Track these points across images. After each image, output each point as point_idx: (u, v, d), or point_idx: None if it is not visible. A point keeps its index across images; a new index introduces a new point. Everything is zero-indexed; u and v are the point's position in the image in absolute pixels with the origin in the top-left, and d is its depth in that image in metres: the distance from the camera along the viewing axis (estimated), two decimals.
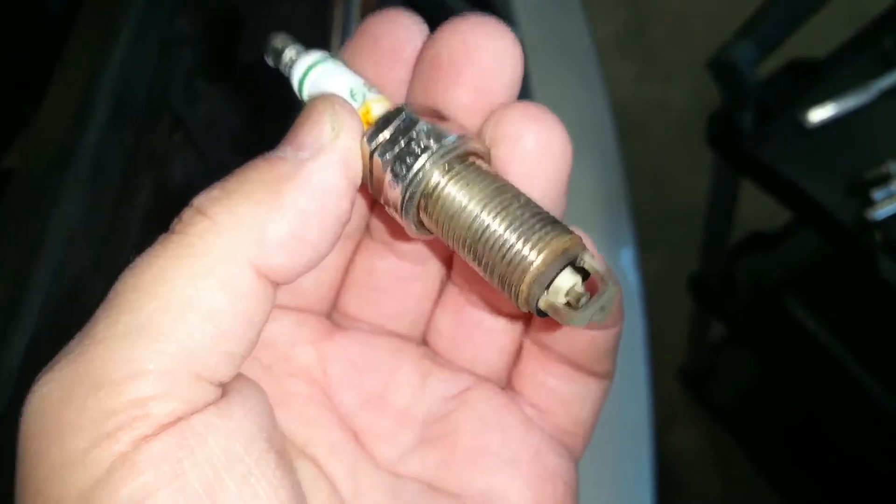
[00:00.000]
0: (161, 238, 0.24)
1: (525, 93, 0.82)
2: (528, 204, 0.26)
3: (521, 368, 0.30)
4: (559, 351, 0.29)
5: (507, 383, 0.31)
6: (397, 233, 0.30)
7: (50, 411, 0.22)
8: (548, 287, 0.25)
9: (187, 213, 0.24)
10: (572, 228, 0.26)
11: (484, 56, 0.27)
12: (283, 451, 0.25)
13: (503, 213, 0.26)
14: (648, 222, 1.07)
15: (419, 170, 0.26)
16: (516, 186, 0.27)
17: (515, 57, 0.28)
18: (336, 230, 0.25)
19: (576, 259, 0.25)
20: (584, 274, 0.26)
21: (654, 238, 1.48)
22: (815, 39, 0.98)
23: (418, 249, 0.30)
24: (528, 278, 0.25)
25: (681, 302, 1.33)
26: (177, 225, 0.24)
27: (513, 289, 0.25)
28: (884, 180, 0.89)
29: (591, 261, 0.25)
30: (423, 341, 0.32)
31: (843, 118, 0.94)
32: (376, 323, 0.31)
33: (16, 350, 0.45)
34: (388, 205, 0.27)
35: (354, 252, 0.31)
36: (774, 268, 1.21)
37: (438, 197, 0.26)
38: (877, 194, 0.88)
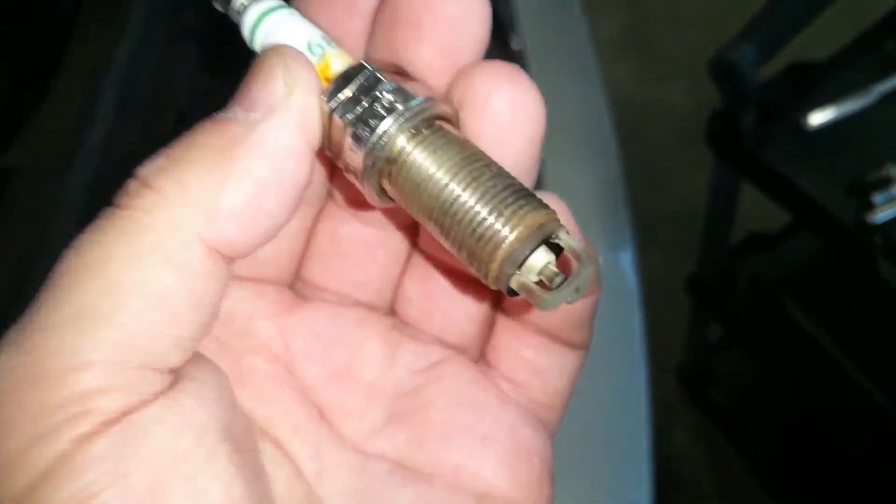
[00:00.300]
0: (104, 212, 0.22)
1: None
2: (501, 174, 0.24)
3: (495, 342, 0.29)
4: (534, 322, 0.28)
5: (479, 355, 0.30)
6: (357, 200, 0.28)
7: None
8: (520, 266, 0.24)
9: (132, 186, 0.22)
10: (548, 201, 0.25)
11: (446, 7, 0.25)
12: (243, 439, 0.23)
13: (474, 184, 0.24)
14: (647, 222, 1.07)
15: (383, 133, 0.24)
16: (488, 154, 0.25)
17: (482, 8, 0.26)
18: (294, 197, 0.23)
19: (551, 235, 0.24)
20: (558, 251, 0.24)
21: (653, 238, 1.49)
22: (815, 42, 0.98)
23: (383, 213, 0.28)
24: (499, 255, 0.23)
25: (679, 302, 1.33)
26: (122, 198, 0.22)
27: (482, 266, 0.24)
28: (884, 184, 0.89)
29: (567, 238, 0.24)
30: (391, 311, 0.30)
31: (844, 121, 0.94)
32: (341, 291, 0.29)
33: None
34: (349, 170, 0.25)
35: (316, 218, 0.29)
36: (774, 269, 1.21)
37: (404, 164, 0.24)
38: (877, 198, 0.88)
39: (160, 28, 0.55)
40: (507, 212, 0.23)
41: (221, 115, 0.23)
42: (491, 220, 0.23)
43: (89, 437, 0.20)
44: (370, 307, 0.30)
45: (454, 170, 0.24)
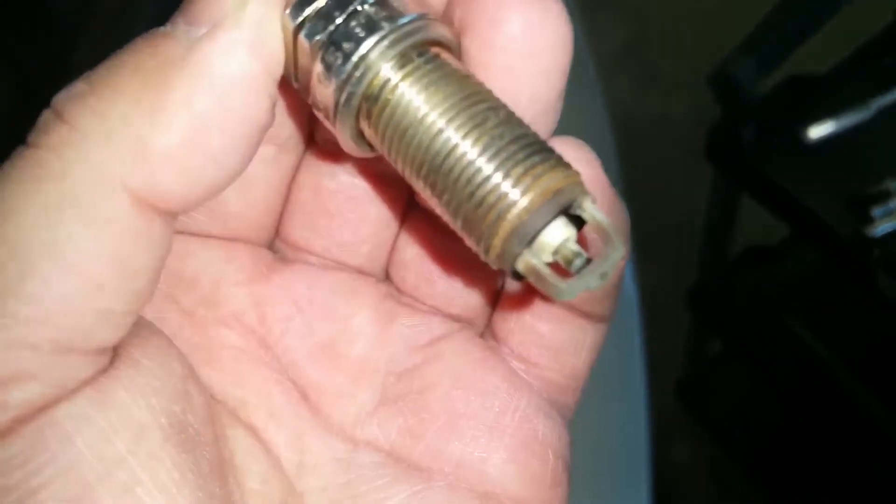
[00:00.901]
0: (15, 153, 0.18)
1: None
2: (511, 121, 0.19)
3: (505, 313, 0.25)
4: None
5: (486, 328, 0.26)
6: (337, 147, 0.23)
7: None
8: (530, 242, 0.19)
9: (47, 119, 0.18)
10: (572, 150, 0.21)
11: None
12: (200, 434, 0.20)
13: (475, 132, 0.19)
14: (647, 235, 1.07)
15: (360, 60, 0.19)
16: (495, 94, 0.20)
17: None
18: (249, 138, 0.19)
19: (571, 205, 0.19)
20: (579, 223, 0.20)
21: (653, 251, 1.48)
22: (815, 55, 0.99)
23: (375, 163, 0.24)
24: (504, 228, 0.19)
25: (679, 316, 1.33)
26: (34, 135, 0.18)
27: (482, 240, 0.19)
28: (883, 198, 0.89)
29: (592, 210, 0.19)
30: (386, 276, 0.26)
31: (843, 135, 0.94)
32: (327, 254, 0.25)
33: None
34: (318, 108, 0.20)
35: (297, 167, 0.25)
36: (773, 283, 1.21)
37: (387, 102, 0.19)
38: (876, 212, 0.88)
39: None
40: (517, 171, 0.19)
41: (159, 29, 0.19)
42: (495, 180, 0.19)
43: None
44: (361, 272, 0.26)
45: (451, 112, 0.19)
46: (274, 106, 0.19)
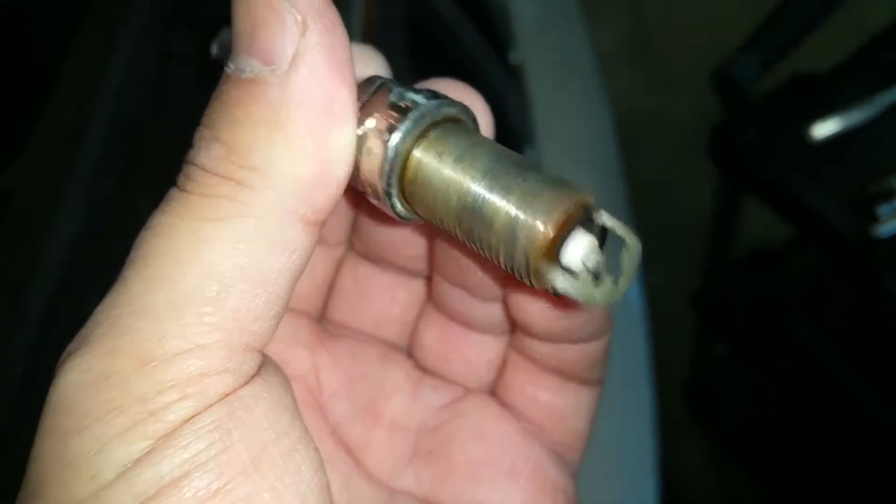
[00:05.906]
0: (176, 197, 0.22)
1: (526, 104, 0.82)
2: (523, 164, 0.23)
3: (508, 383, 0.29)
4: (549, 362, 0.28)
5: (495, 396, 0.30)
6: (377, 235, 0.28)
7: (88, 387, 0.21)
8: (559, 260, 0.22)
9: (197, 174, 0.22)
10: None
11: None
12: None
13: (495, 179, 0.22)
14: (651, 234, 1.06)
15: (393, 148, 0.23)
16: (503, 146, 0.24)
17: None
18: (353, 120, 0.22)
19: (588, 220, 0.22)
20: (597, 233, 0.23)
21: (658, 250, 1.48)
22: (818, 53, 0.98)
23: (400, 266, 0.29)
24: (534, 257, 0.22)
25: (686, 316, 1.32)
26: (188, 184, 0.22)
27: (521, 266, 0.22)
28: (888, 195, 0.88)
29: (605, 217, 0.22)
30: (411, 356, 0.31)
31: (848, 133, 0.93)
32: (363, 329, 0.31)
33: (13, 380, 0.44)
34: (368, 193, 0.24)
35: (341, 261, 0.31)
36: (778, 284, 1.20)
37: (418, 175, 0.24)
38: (881, 210, 0.87)
39: (151, 50, 0.54)
40: (537, 202, 0.22)
41: (241, 75, 0.22)
42: (520, 214, 0.22)
43: (199, 413, 0.21)
44: (392, 346, 0.31)
45: (472, 169, 0.23)
46: (353, 80, 0.23)
